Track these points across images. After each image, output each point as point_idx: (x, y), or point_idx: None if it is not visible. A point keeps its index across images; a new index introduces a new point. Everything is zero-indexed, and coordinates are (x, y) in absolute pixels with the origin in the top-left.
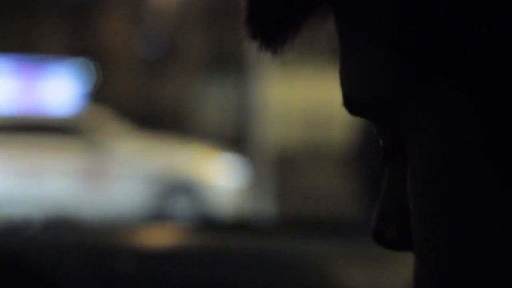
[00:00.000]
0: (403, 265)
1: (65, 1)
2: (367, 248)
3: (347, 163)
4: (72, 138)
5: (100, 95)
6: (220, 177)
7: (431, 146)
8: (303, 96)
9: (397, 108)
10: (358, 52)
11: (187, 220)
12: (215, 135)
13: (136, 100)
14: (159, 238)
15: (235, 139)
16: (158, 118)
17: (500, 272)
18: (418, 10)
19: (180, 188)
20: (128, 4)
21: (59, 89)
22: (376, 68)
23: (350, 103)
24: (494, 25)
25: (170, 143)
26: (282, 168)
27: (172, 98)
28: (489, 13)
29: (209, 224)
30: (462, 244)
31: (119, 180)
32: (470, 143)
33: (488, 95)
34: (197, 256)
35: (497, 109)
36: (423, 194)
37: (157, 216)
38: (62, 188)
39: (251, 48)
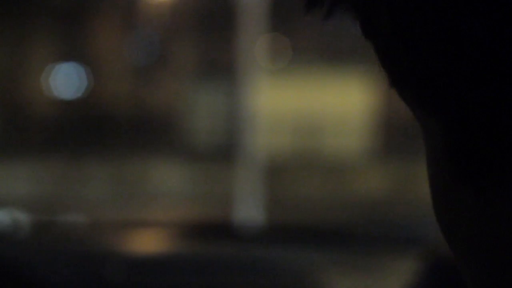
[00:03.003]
0: (392, 274)
1: (57, 7)
2: (356, 256)
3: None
4: None
5: (91, 100)
6: None
7: (425, 143)
8: (294, 104)
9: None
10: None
11: (176, 224)
12: (205, 142)
13: (127, 106)
14: (148, 243)
15: (225, 146)
16: (149, 124)
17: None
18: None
19: None
20: (120, 10)
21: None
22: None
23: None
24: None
25: None
26: (272, 176)
27: (163, 104)
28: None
29: (198, 230)
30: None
31: None
32: (438, 149)
33: (448, 118)
34: (186, 263)
35: (454, 126)
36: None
37: None
38: None
39: (243, 55)
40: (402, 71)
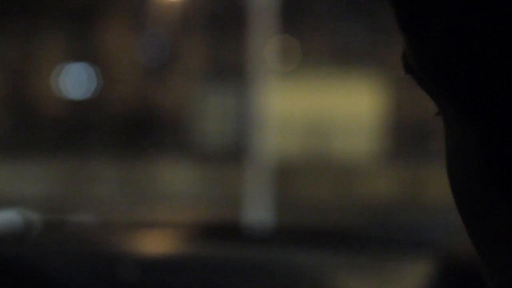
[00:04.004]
0: (402, 277)
1: (67, 7)
2: (364, 259)
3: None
4: None
5: (100, 100)
6: None
7: (447, 140)
8: (303, 106)
9: (429, 91)
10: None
11: (185, 225)
12: (215, 144)
13: (136, 106)
14: (158, 244)
15: (234, 148)
16: (158, 125)
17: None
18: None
19: None
20: (129, 11)
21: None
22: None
23: (404, 58)
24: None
25: None
26: (281, 178)
27: (173, 105)
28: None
29: (207, 232)
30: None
31: None
32: (469, 152)
33: (486, 121)
34: (195, 264)
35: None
36: (447, 172)
37: None
38: None
39: (252, 57)
40: (442, 67)
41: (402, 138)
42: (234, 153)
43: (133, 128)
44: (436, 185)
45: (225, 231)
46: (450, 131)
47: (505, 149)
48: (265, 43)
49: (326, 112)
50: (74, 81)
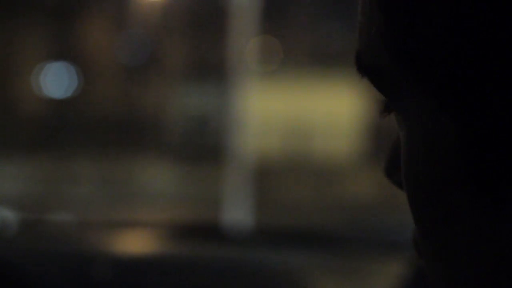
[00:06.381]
0: (380, 278)
1: (47, 5)
2: (344, 260)
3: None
4: None
5: (80, 100)
6: None
7: (411, 137)
8: (284, 107)
9: (391, 89)
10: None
11: (164, 225)
12: (195, 144)
13: (116, 106)
14: (137, 244)
15: (215, 148)
16: (138, 125)
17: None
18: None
19: None
20: (111, 10)
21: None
22: (378, 58)
23: (359, 60)
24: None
25: None
26: (261, 178)
27: (153, 105)
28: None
29: (187, 232)
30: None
31: None
32: (444, 148)
33: (474, 116)
34: (174, 264)
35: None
36: (405, 175)
37: None
38: None
39: (233, 57)
40: (424, 59)
41: (383, 139)
42: (214, 153)
43: (114, 128)
44: None
45: (205, 231)
46: (415, 128)
47: (486, 144)
48: (246, 43)
49: (307, 113)
50: (55, 80)
